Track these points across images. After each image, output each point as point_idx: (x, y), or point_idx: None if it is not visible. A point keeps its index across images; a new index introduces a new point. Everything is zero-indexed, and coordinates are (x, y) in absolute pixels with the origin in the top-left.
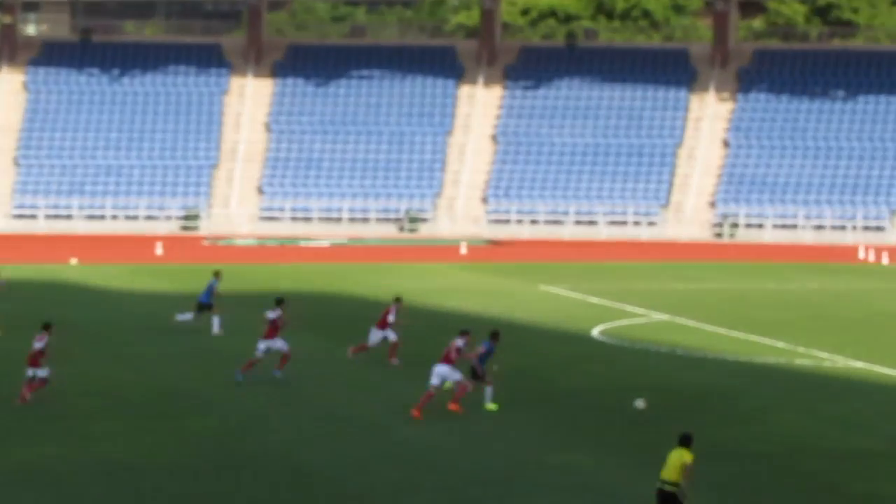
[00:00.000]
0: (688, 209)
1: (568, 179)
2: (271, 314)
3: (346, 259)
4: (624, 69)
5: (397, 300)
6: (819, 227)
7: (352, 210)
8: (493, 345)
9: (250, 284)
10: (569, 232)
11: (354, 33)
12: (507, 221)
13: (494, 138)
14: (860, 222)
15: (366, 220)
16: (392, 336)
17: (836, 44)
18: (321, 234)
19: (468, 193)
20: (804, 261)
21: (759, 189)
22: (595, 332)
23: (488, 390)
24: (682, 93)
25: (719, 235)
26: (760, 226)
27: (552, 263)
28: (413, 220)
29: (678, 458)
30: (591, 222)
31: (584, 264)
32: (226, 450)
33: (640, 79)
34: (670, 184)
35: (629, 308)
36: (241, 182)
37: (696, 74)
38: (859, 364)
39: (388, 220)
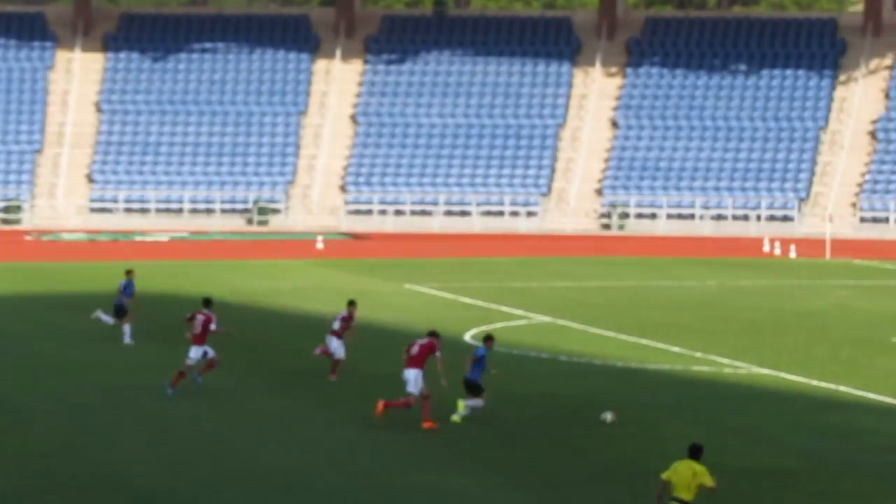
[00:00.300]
0: (572, 198)
1: (437, 165)
2: (200, 316)
3: (188, 256)
4: (499, 40)
5: (351, 303)
6: (719, 218)
7: (194, 200)
8: (486, 350)
9: (79, 285)
10: (438, 224)
11: (196, 1)
12: (369, 212)
13: (354, 119)
14: (765, 211)
15: (210, 211)
16: (341, 350)
17: (738, 11)
18: (159, 228)
19: (325, 181)
20: (702, 255)
21: (651, 175)
22: (468, 336)
23: (478, 402)
24: (565, 67)
25: (607, 227)
26: (653, 216)
27: (420, 259)
28: (263, 211)
29: (690, 475)
30: (464, 213)
31: (455, 260)
32: (50, 472)
33: (518, 51)
34: (552, 169)
35: (506, 309)
36: (69, 169)
37: (581, 46)
38: (764, 371)
39: (234, 211)
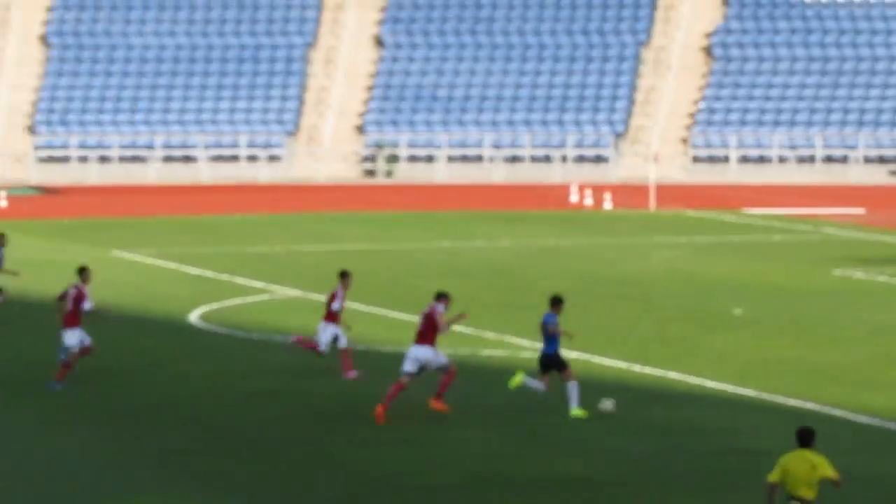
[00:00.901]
0: (325, 137)
1: (153, 98)
2: (72, 291)
3: None
4: None
5: (343, 275)
6: (513, 160)
7: None
8: (555, 316)
9: None
10: (155, 173)
11: None
12: (66, 159)
13: (45, 40)
14: (572, 151)
15: None
16: (342, 338)
17: None
18: None
19: (8, 121)
20: (493, 208)
21: (427, 107)
22: (194, 316)
23: (572, 389)
24: None
25: (371, 173)
26: (430, 158)
27: (131, 219)
28: None
29: (808, 469)
30: (188, 158)
31: (177, 219)
32: None
33: None
34: (300, 101)
35: (243, 281)
36: None
37: None
38: (574, 354)
39: None
